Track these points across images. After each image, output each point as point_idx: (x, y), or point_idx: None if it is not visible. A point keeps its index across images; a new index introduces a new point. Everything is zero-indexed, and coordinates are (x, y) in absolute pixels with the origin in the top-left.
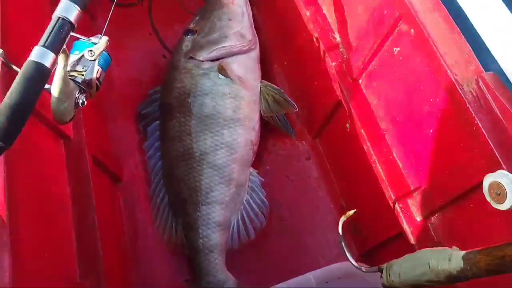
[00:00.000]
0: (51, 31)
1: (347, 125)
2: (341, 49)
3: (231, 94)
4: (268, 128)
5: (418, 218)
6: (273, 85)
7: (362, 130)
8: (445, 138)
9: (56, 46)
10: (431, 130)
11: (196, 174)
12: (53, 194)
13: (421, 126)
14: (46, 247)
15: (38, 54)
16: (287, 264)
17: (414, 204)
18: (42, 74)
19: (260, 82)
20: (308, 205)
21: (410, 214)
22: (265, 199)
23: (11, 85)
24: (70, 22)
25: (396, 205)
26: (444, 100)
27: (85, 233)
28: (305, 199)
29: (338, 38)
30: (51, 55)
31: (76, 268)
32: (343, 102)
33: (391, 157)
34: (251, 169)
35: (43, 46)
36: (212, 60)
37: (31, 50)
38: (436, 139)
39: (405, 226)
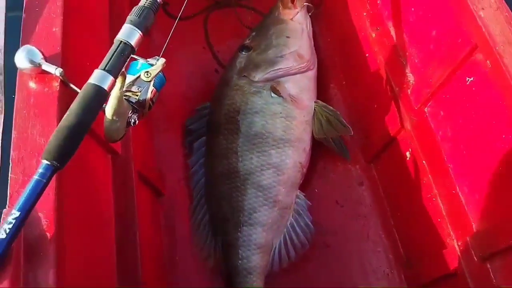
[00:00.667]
0: (112, 54)
1: (408, 153)
2: (407, 74)
3: (282, 114)
4: (320, 148)
5: (478, 259)
6: (329, 106)
7: (424, 161)
8: None
9: (116, 69)
10: (501, 168)
11: (239, 193)
12: (98, 210)
13: (490, 162)
14: (89, 264)
15: (98, 77)
16: None
17: (474, 244)
18: (100, 97)
19: (315, 102)
20: (356, 233)
21: (469, 254)
22: (310, 224)
23: (67, 103)
24: (131, 46)
25: (455, 243)
26: None
27: (126, 250)
28: (354, 226)
29: (405, 62)
30: (110, 78)
31: (115, 283)
32: (405, 129)
33: (454, 191)
34: (298, 192)
35: (104, 69)
36: (267, 80)
37: (87, 71)
38: (505, 178)
39: (463, 266)
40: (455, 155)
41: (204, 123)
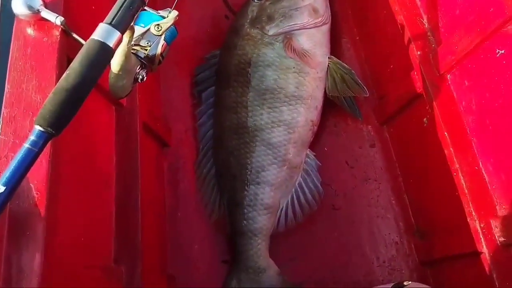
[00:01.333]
0: (120, 7)
1: (425, 120)
2: (429, 38)
3: (295, 69)
4: (331, 106)
5: (500, 242)
6: (343, 64)
7: (445, 133)
8: None
9: (123, 24)
10: None
11: (248, 150)
12: (99, 168)
13: None
14: (84, 231)
15: (103, 32)
16: (335, 258)
17: (497, 225)
18: (104, 55)
19: (329, 58)
20: (366, 196)
21: (492, 236)
22: (319, 185)
23: (69, 55)
24: None
25: (477, 222)
26: None
27: (127, 213)
28: (364, 189)
29: (427, 25)
30: (117, 34)
31: (112, 251)
32: (424, 95)
33: (476, 168)
34: (308, 151)
35: (110, 24)
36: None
37: (93, 20)
38: None
39: (484, 248)
40: (479, 129)
41: (213, 72)
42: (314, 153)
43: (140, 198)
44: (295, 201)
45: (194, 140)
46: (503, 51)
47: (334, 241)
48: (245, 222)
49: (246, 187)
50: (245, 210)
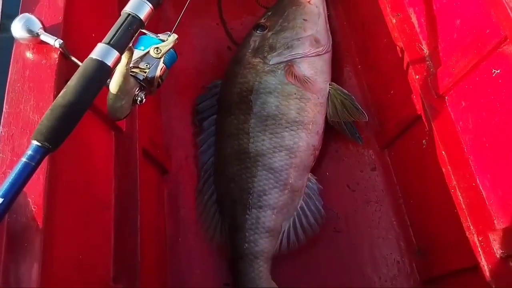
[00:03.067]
0: (119, 28)
1: (424, 141)
2: (428, 62)
3: (297, 95)
4: (332, 131)
5: (499, 255)
6: (343, 90)
7: (443, 152)
8: None
9: (122, 44)
10: None
11: (249, 175)
12: (97, 191)
13: None
14: (82, 249)
15: (101, 52)
16: (337, 279)
17: (496, 240)
18: (102, 73)
19: (330, 84)
20: (367, 218)
21: (490, 250)
22: (321, 208)
23: (66, 77)
24: (140, 20)
25: (475, 237)
26: None
27: (125, 234)
28: (365, 212)
29: (425, 50)
30: (115, 54)
31: (111, 270)
32: (423, 117)
33: (474, 184)
34: (310, 175)
35: (108, 43)
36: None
37: (91, 44)
38: None
39: (483, 261)
40: (476, 147)
41: (215, 101)
42: (316, 177)
43: (139, 222)
44: (297, 224)
45: (195, 167)
46: (498, 71)
47: (336, 263)
48: (246, 245)
49: (247, 211)
50: (247, 233)
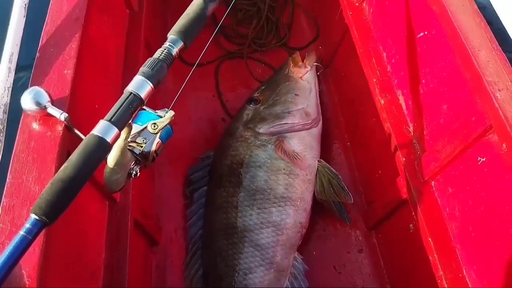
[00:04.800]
0: (120, 106)
1: (411, 226)
2: (415, 145)
3: (285, 170)
4: (320, 208)
5: None
6: (332, 168)
7: (429, 238)
8: None
9: (122, 121)
10: None
11: (236, 251)
12: (88, 260)
13: (502, 250)
14: None
15: (102, 128)
16: None
17: None
18: (102, 149)
19: (318, 161)
20: None
21: None
22: None
23: (69, 149)
24: (141, 98)
25: None
26: None
27: None
28: None
29: (412, 133)
30: (115, 131)
31: None
32: (409, 201)
33: (460, 275)
34: (296, 254)
35: (109, 120)
36: (272, 134)
37: (96, 114)
38: None
39: None
40: (463, 235)
41: (206, 172)
42: (302, 257)
43: None
44: None
45: (183, 240)
46: (484, 159)
47: None
48: None
49: None
50: None
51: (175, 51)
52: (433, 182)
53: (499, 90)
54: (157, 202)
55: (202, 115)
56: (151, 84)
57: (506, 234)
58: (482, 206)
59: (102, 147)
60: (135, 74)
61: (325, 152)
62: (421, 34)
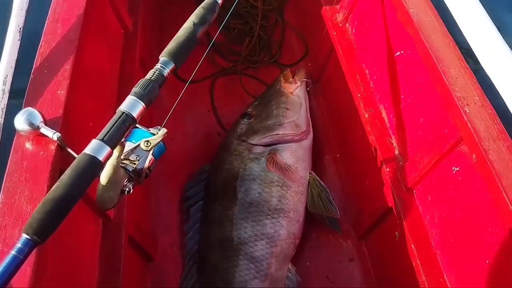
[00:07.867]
0: (113, 125)
1: (397, 233)
2: (397, 156)
3: (278, 182)
4: (313, 220)
5: None
6: (321, 181)
7: (412, 245)
8: (503, 272)
9: (114, 141)
10: (488, 261)
11: (231, 264)
12: (81, 280)
13: (478, 254)
14: None
15: (95, 148)
16: None
17: None
18: (94, 168)
19: (310, 173)
20: None
21: None
22: None
23: (61, 168)
24: (133, 118)
25: None
26: (504, 233)
27: None
28: None
29: (395, 144)
30: (107, 150)
31: None
32: (394, 209)
33: (441, 279)
34: (290, 265)
35: (101, 140)
36: (264, 146)
37: (89, 132)
38: (493, 271)
39: None
40: (443, 242)
41: (202, 187)
42: (296, 268)
43: None
44: None
45: (180, 255)
46: (458, 168)
47: None
48: None
49: None
50: None
51: (166, 72)
52: (414, 191)
53: (468, 105)
54: (153, 217)
55: (198, 130)
56: (143, 104)
57: (480, 239)
58: (458, 213)
59: (94, 165)
60: (130, 88)
61: (317, 164)
62: (398, 53)
